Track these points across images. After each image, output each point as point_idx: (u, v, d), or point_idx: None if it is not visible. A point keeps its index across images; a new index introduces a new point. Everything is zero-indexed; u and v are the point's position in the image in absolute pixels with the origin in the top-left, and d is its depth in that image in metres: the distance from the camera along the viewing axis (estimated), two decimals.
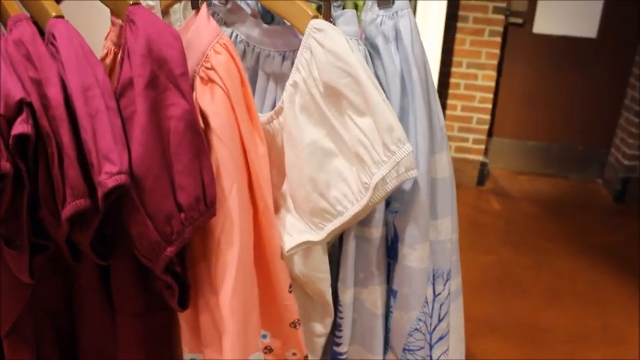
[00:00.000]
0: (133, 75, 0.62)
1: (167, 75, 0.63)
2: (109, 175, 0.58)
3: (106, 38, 0.97)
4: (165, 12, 1.09)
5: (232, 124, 0.69)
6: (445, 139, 0.89)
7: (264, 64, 0.91)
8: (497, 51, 3.46)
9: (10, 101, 0.59)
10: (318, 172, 0.74)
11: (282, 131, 0.79)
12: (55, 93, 0.60)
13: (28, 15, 0.69)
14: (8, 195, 0.62)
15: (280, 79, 0.88)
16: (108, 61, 0.92)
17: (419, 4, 3.23)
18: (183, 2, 1.09)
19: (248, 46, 0.93)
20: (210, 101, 0.69)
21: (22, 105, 0.59)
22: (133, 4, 0.67)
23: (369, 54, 0.84)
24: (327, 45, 0.72)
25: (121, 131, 0.61)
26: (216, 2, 0.99)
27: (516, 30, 3.69)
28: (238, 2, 1.00)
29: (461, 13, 3.40)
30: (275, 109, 0.80)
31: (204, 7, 0.76)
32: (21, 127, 0.59)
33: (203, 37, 0.72)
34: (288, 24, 0.85)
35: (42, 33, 0.68)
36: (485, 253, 2.78)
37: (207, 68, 0.70)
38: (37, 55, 0.62)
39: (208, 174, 0.64)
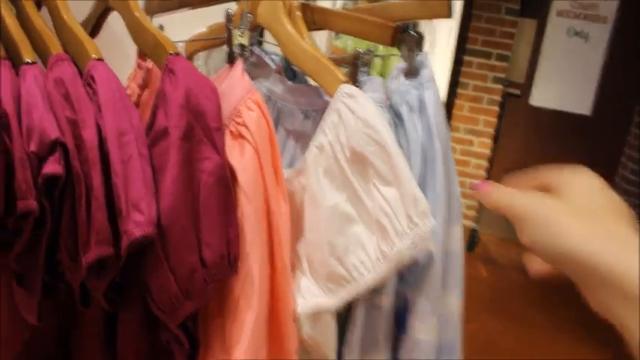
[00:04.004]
0: (168, 125, 0.62)
1: (203, 127, 0.63)
2: (136, 224, 0.57)
3: (128, 79, 0.98)
4: (190, 58, 1.10)
5: (259, 182, 0.69)
6: (460, 210, 0.89)
7: (285, 121, 0.91)
8: (495, 119, 3.53)
9: (44, 139, 0.58)
10: (337, 237, 0.74)
11: (302, 191, 0.79)
12: (90, 135, 0.60)
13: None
14: (28, 232, 0.61)
15: (300, 137, 0.89)
16: None
17: None
18: (207, 50, 1.10)
19: (270, 100, 0.94)
20: (239, 157, 0.69)
21: (56, 145, 0.59)
22: (173, 53, 0.68)
23: (393, 122, 0.84)
24: (357, 111, 0.73)
25: (151, 180, 0.60)
26: None
27: (514, 101, 3.77)
28: (263, 57, 1.01)
29: (462, 79, 3.48)
30: (297, 168, 0.80)
31: (239, 62, 0.76)
32: (52, 166, 0.58)
33: (236, 92, 0.73)
34: (313, 84, 0.86)
35: (79, 73, 0.68)
36: (470, 321, 2.76)
37: (238, 124, 0.70)
38: (76, 96, 0.62)
39: (234, 231, 0.64)
